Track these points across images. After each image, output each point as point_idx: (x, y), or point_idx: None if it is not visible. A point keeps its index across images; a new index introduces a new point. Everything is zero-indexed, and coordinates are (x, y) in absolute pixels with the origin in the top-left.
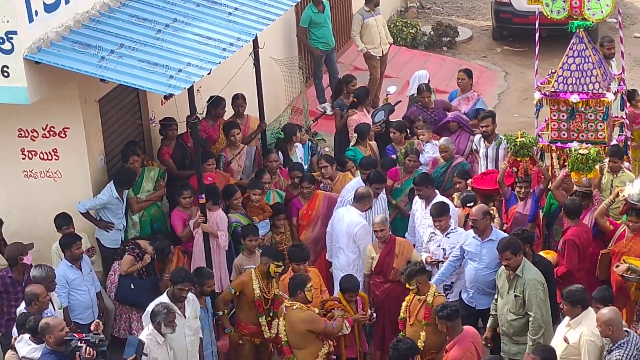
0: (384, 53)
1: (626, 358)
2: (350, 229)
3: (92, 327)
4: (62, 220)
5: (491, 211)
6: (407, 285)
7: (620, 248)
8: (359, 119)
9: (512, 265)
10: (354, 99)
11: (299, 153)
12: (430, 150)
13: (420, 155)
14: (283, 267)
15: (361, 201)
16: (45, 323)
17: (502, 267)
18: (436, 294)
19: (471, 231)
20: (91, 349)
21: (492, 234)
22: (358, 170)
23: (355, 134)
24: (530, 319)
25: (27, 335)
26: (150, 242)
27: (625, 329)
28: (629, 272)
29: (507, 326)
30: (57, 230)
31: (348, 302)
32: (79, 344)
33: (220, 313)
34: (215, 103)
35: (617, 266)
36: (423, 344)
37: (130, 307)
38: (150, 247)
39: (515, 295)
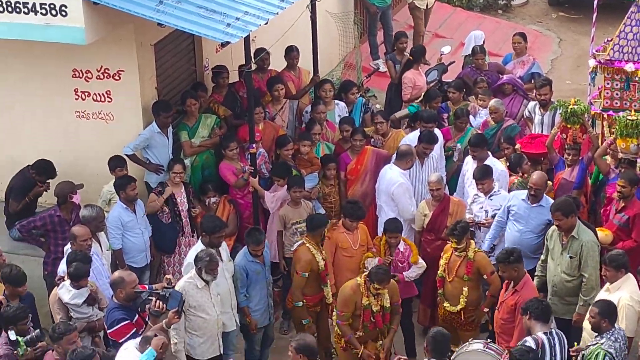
0: (429, 6)
1: None
2: (388, 188)
3: (164, 282)
4: (117, 162)
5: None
6: (454, 244)
7: None
8: (413, 77)
9: (563, 227)
10: (410, 57)
11: (337, 111)
12: (485, 116)
13: (474, 118)
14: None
15: (403, 159)
16: (120, 277)
17: (553, 227)
18: (476, 249)
19: (518, 192)
20: (161, 302)
21: (543, 200)
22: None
23: (422, 95)
24: (584, 279)
25: (68, 282)
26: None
27: None
28: None
29: (560, 287)
30: (111, 172)
31: (390, 244)
32: (149, 297)
33: (300, 304)
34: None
35: None
36: (465, 299)
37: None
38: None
39: (571, 257)
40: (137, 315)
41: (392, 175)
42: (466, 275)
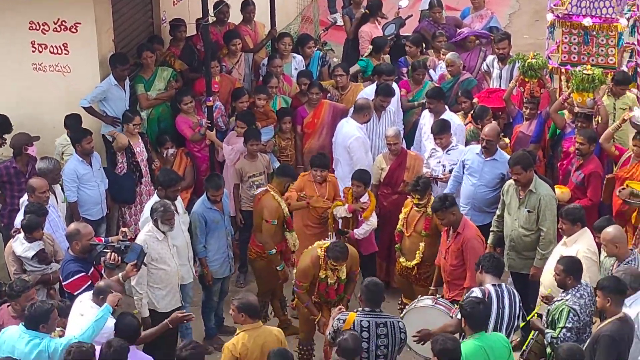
0: None
1: None
2: (344, 141)
3: (120, 234)
4: (72, 120)
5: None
6: (417, 200)
7: (624, 173)
8: (370, 31)
9: (522, 181)
10: (366, 11)
11: (294, 64)
12: (444, 70)
13: (434, 72)
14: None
15: (360, 112)
16: (76, 229)
17: (509, 182)
18: None
19: (473, 146)
20: (116, 255)
21: (497, 153)
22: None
23: (371, 46)
24: (542, 233)
25: (22, 235)
26: None
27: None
28: (631, 196)
29: (517, 241)
30: (65, 127)
31: (353, 193)
32: (104, 250)
33: (274, 251)
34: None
35: (620, 191)
36: (422, 255)
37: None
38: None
39: (529, 211)
40: (92, 268)
41: (348, 129)
42: (424, 231)
